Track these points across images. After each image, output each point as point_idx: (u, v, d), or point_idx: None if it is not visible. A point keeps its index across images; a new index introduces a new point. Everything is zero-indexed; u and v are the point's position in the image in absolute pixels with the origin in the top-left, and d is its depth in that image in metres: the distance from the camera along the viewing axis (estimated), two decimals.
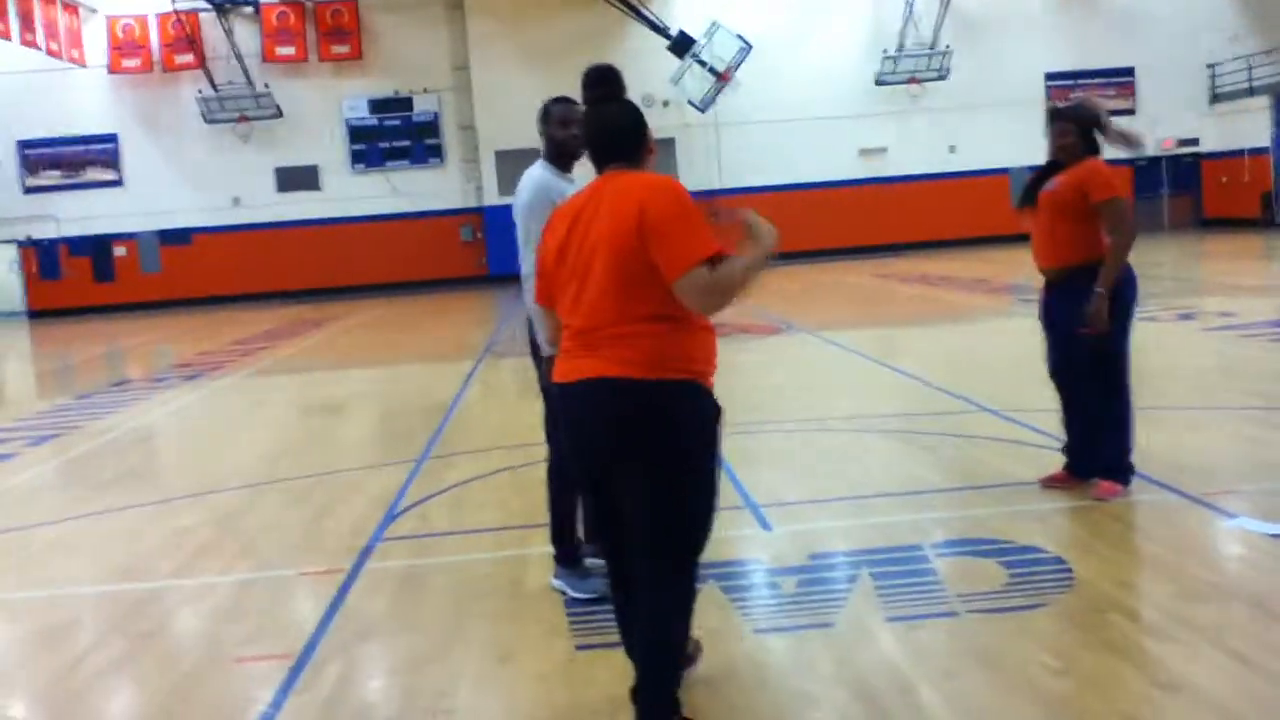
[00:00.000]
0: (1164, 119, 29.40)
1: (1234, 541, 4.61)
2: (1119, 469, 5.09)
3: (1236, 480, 5.26)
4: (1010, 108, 27.22)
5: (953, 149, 28.12)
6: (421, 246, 27.22)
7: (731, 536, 4.81)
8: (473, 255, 27.26)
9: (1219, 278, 17.24)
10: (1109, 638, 3.67)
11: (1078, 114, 5.19)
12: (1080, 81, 29.38)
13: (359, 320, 19.82)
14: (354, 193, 27.49)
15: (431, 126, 27.56)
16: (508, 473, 6.50)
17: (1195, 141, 28.94)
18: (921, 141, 28.10)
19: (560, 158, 4.31)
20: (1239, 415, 6.68)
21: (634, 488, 2.93)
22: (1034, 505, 5.13)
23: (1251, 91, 27.56)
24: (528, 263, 4.11)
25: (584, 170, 4.30)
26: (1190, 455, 5.75)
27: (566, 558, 4.37)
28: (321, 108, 27.23)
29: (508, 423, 8.05)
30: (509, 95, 24.71)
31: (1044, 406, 5.76)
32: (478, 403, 9.55)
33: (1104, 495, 5.05)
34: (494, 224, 25.68)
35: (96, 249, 27.22)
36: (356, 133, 27.37)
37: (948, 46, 27.88)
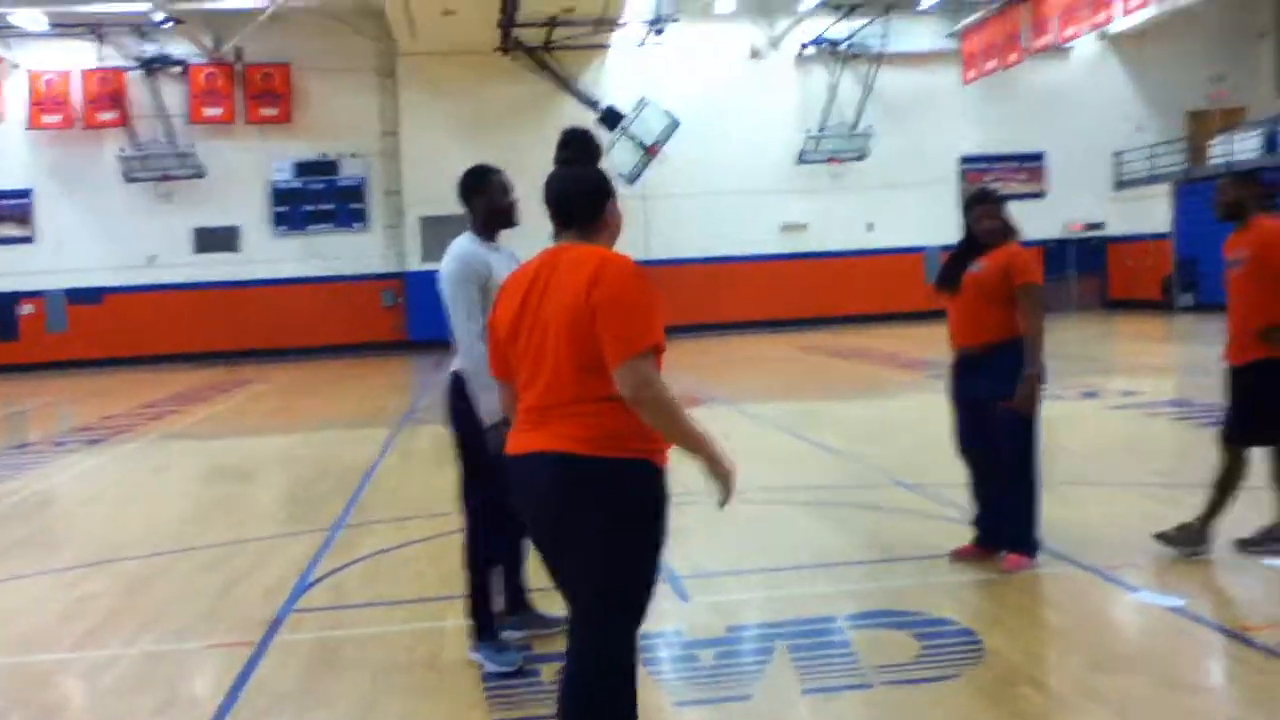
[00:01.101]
0: (1072, 203, 30.64)
1: (1136, 614, 4.76)
2: (1026, 542, 5.23)
3: (1137, 554, 5.42)
4: (926, 188, 28.17)
5: (870, 227, 28.89)
6: (342, 311, 26.96)
7: (650, 608, 4.81)
8: (393, 321, 27.07)
9: (1123, 357, 17.87)
10: (1019, 709, 3.75)
11: (1002, 198, 5.43)
12: (994, 165, 30.50)
13: (275, 384, 19.49)
14: (275, 255, 27.20)
15: (356, 190, 27.48)
16: (425, 543, 6.43)
17: (1101, 225, 30.12)
18: (841, 218, 28.83)
19: (491, 226, 4.35)
20: (1140, 491, 6.91)
21: (575, 560, 2.89)
22: (945, 578, 5.23)
23: (1154, 179, 28.98)
24: (459, 330, 4.14)
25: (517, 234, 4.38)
26: (1094, 529, 5.93)
27: (484, 630, 4.33)
28: (246, 169, 26.98)
29: (425, 491, 7.96)
30: (437, 162, 24.77)
31: (954, 480, 5.90)
32: (395, 470, 9.43)
33: (1011, 568, 5.18)
34: (416, 290, 25.58)
35: (0, 306, 26.47)
36: (280, 195, 27.16)
37: (869, 127, 28.79)
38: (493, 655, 4.26)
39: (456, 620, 4.62)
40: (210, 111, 26.60)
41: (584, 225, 2.97)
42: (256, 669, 4.43)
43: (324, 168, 27.28)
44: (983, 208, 5.34)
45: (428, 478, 8.61)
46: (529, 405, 2.90)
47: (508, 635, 4.35)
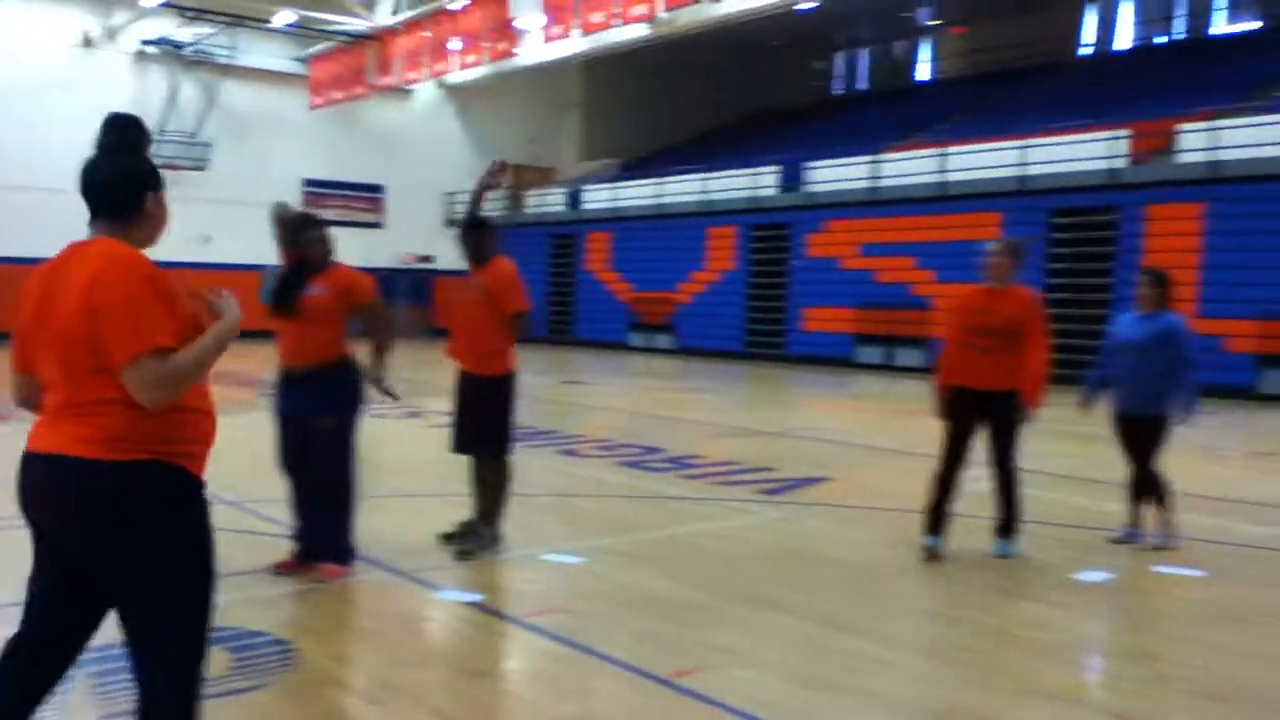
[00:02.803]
0: (407, 235, 32.24)
1: (440, 612, 5.20)
2: (342, 552, 5.46)
3: (445, 559, 5.95)
4: (268, 207, 27.75)
5: (208, 239, 27.81)
6: None
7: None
8: None
9: (443, 381, 19.13)
10: (326, 709, 3.92)
11: (323, 224, 5.63)
12: (336, 191, 31.06)
13: None
14: None
15: None
16: None
17: (432, 259, 32.09)
18: (175, 228, 27.29)
19: None
20: (452, 501, 7.51)
21: (109, 571, 2.62)
22: (264, 591, 5.26)
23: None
24: None
25: None
26: (408, 538, 6.36)
27: None
28: None
29: None
30: None
31: (276, 495, 5.96)
32: None
33: (328, 577, 5.38)
34: None
35: None
36: None
37: (210, 138, 27.72)
38: None
39: None
40: None
41: (118, 217, 2.71)
42: None
43: None
44: (315, 232, 5.56)
45: None
46: (47, 405, 2.66)
47: None
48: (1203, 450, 10.88)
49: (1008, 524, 6.31)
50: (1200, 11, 30.25)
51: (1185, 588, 5.82)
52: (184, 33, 27.69)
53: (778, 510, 7.70)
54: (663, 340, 27.94)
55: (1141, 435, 6.60)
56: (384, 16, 30.10)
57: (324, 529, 5.44)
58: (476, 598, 5.30)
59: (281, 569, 5.48)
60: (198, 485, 2.73)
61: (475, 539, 6.10)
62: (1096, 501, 7.67)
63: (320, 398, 5.34)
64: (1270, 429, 14.31)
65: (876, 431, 12.43)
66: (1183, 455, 10.45)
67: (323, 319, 5.41)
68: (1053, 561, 6.30)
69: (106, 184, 2.74)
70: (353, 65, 30.21)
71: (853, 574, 5.93)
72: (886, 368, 22.40)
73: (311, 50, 30.76)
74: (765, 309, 26.10)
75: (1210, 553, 6.65)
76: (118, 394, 2.58)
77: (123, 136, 2.81)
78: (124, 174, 2.77)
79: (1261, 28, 28.33)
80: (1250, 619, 5.20)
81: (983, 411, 6.14)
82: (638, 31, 26.41)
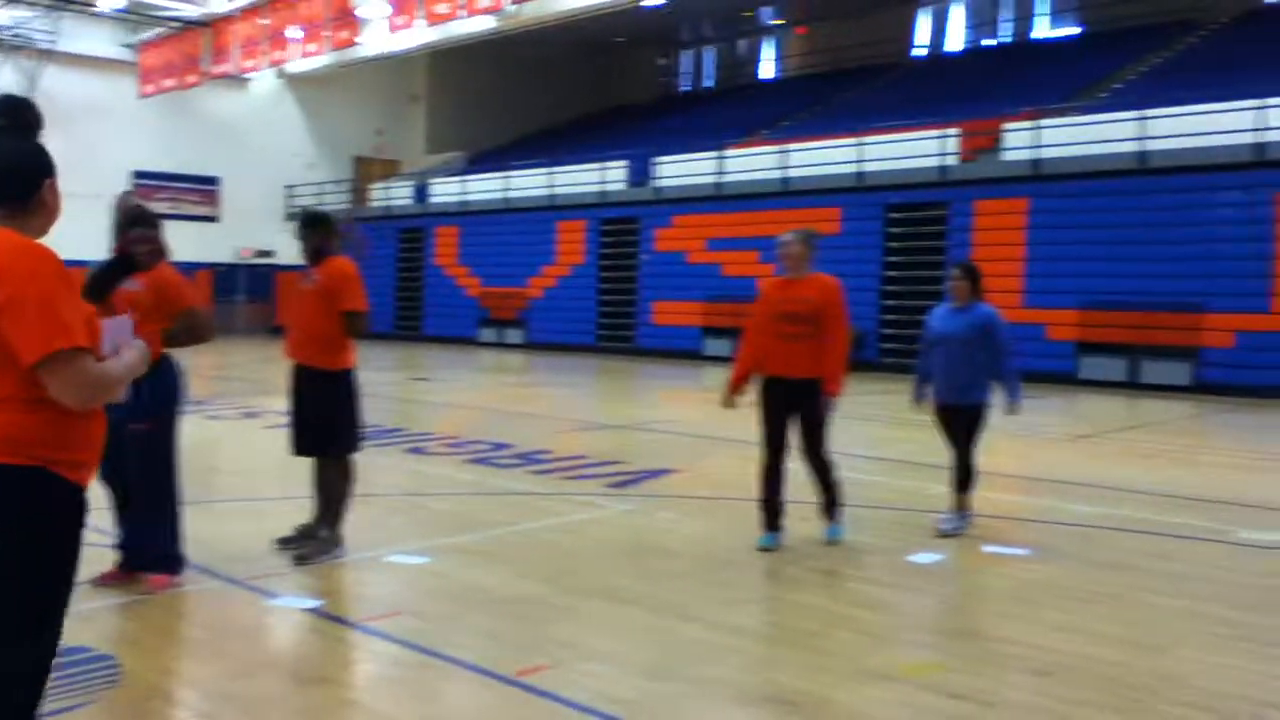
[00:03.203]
0: (245, 229, 31.14)
1: (276, 619, 5.02)
2: (169, 561, 5.22)
3: (280, 564, 5.75)
4: (97, 199, 26.36)
5: None
6: None
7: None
8: None
9: (283, 379, 18.57)
10: None
11: (154, 221, 5.35)
12: (169, 183, 29.75)
13: None
14: None
15: None
16: None
17: (272, 253, 31.10)
18: None
19: None
20: (292, 504, 7.27)
21: None
22: (85, 605, 4.96)
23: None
24: None
25: None
26: (244, 543, 6.12)
27: None
28: None
29: None
30: None
31: (99, 504, 5.64)
32: None
33: (155, 588, 5.13)
34: None
35: None
36: None
37: None
38: None
39: None
40: None
41: (16, 206, 2.51)
42: None
43: None
44: (143, 231, 5.29)
45: None
46: None
47: None
48: (1028, 434, 11.43)
49: (830, 508, 6.46)
50: (1024, 16, 31.78)
51: (1013, 567, 6.09)
52: (2, 15, 26.06)
53: (626, 503, 7.73)
54: (513, 335, 27.77)
55: (961, 425, 6.84)
56: (219, 3, 28.99)
57: (148, 538, 5.18)
58: (316, 603, 5.14)
59: (105, 581, 5.20)
60: (78, 500, 2.61)
61: (314, 543, 5.93)
62: (928, 485, 7.95)
63: (133, 402, 5.07)
64: (1090, 412, 15.15)
65: (723, 423, 12.60)
66: (1009, 439, 10.96)
67: (141, 316, 5.15)
68: (887, 545, 6.51)
69: (5, 170, 2.56)
70: (186, 52, 28.99)
71: (698, 564, 5.99)
72: (734, 360, 22.77)
73: (142, 36, 29.38)
74: (615, 303, 26.23)
75: (1037, 532, 6.98)
76: (10, 391, 2.44)
77: (16, 118, 2.63)
78: (22, 159, 2.59)
79: (1080, 33, 29.95)
80: (1075, 595, 5.47)
81: (792, 400, 6.24)
82: (484, 24, 26.16)
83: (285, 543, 6.00)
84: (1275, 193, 16.98)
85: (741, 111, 30.62)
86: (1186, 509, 7.86)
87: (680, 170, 25.23)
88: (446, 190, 30.82)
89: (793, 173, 22.84)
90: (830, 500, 6.46)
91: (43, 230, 2.63)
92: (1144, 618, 5.14)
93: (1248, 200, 17.39)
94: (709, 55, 39.48)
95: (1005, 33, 32.11)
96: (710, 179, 24.42)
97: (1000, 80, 25.96)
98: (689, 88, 39.39)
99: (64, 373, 2.42)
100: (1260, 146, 17.09)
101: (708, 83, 39.12)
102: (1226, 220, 17.65)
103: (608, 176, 26.79)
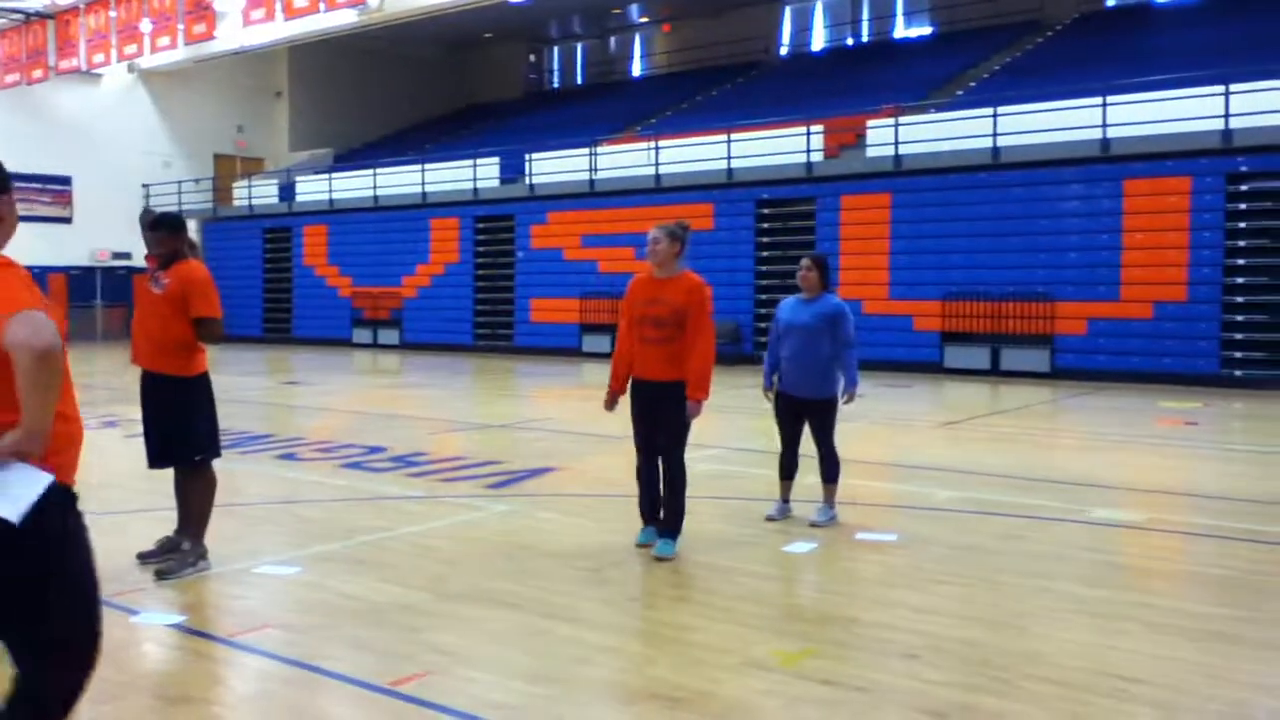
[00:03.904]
0: (101, 231, 29.87)
1: (139, 637, 4.83)
2: None
3: (145, 579, 5.54)
4: None
5: None
6: None
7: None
8: None
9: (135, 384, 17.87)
10: None
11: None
12: (18, 184, 28.30)
13: None
14: None
15: None
16: None
17: (129, 255, 29.90)
18: None
19: None
20: (155, 517, 7.00)
21: None
22: None
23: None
24: None
25: None
26: (103, 559, 5.81)
27: None
28: None
29: None
30: None
31: None
32: None
33: None
34: None
35: None
36: None
37: None
38: None
39: None
40: None
41: None
42: None
43: None
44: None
45: None
46: None
47: None
48: (897, 423, 11.76)
49: (667, 524, 6.13)
50: (882, 16, 32.65)
51: (883, 553, 6.26)
52: None
53: (505, 504, 7.68)
54: (388, 335, 27.29)
55: (811, 417, 6.93)
56: None
57: None
58: (179, 619, 4.96)
59: None
60: (76, 501, 2.63)
61: (177, 556, 5.72)
62: (801, 476, 8.11)
63: None
64: (955, 400, 15.68)
65: (604, 420, 12.63)
66: (879, 428, 11.25)
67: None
68: (763, 537, 6.62)
69: None
70: (31, 46, 27.65)
71: (577, 564, 5.99)
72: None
73: None
74: (492, 301, 26.02)
75: (906, 518, 7.19)
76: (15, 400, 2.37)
77: None
78: None
79: (932, 33, 30.93)
80: (943, 579, 5.65)
81: (653, 403, 6.08)
82: (345, 18, 25.62)
83: (146, 557, 5.79)
84: (1121, 185, 17.84)
85: (612, 108, 30.69)
86: (1043, 491, 8.21)
87: (554, 167, 25.15)
88: (313, 188, 30.07)
89: (665, 169, 23.01)
90: (671, 514, 6.11)
91: (0, 245, 2.60)
92: (1003, 598, 5.34)
93: (1096, 193, 18.23)
94: (579, 52, 39.47)
95: (865, 32, 32.94)
96: (584, 175, 24.42)
97: (861, 79, 26.62)
98: (559, 85, 39.32)
99: (22, 319, 2.41)
100: (1105, 141, 17.92)
101: (578, 80, 39.11)
102: (1076, 212, 18.46)
103: (481, 173, 26.54)
